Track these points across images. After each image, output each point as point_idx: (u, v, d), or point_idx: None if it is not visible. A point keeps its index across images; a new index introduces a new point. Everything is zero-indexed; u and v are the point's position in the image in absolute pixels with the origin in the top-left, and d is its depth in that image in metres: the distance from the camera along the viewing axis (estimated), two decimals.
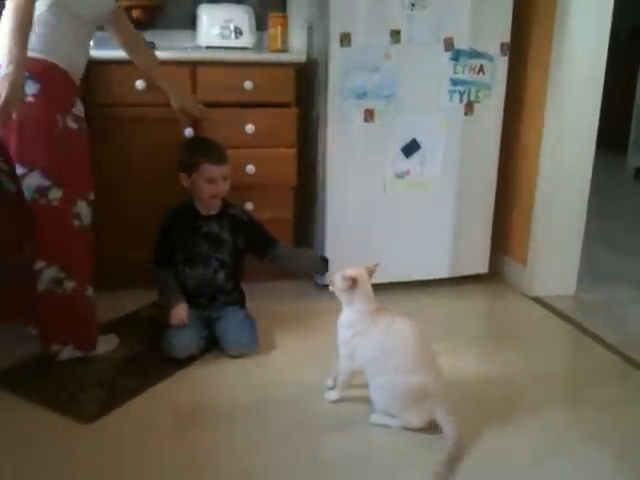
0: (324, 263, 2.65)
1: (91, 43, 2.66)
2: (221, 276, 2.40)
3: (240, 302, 2.48)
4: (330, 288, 1.99)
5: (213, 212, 2.40)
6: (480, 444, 1.86)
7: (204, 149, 2.39)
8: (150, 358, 2.28)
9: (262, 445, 1.85)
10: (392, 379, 1.87)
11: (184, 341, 2.26)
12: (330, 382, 2.08)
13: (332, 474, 1.76)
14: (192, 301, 2.38)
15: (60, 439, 1.84)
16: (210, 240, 2.38)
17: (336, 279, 1.95)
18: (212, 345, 2.36)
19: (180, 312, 2.31)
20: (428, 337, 1.94)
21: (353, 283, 1.91)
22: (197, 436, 1.88)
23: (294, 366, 2.28)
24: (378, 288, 2.01)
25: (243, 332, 2.34)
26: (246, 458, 1.79)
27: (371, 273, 1.98)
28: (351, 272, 1.93)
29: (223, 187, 2.37)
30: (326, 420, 1.97)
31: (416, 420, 1.87)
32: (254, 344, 2.34)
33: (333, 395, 2.04)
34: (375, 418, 1.93)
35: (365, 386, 1.97)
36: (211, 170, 2.33)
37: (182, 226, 2.39)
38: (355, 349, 1.94)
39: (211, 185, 2.33)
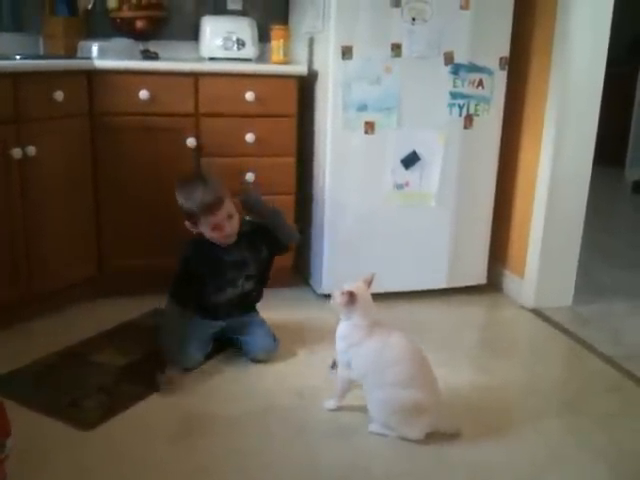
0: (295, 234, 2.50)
1: (95, 53, 2.71)
2: (249, 286, 2.40)
3: (256, 303, 2.49)
4: (330, 302, 2.01)
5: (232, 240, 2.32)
6: (476, 455, 1.88)
7: (198, 199, 2.20)
8: (151, 365, 2.29)
9: (262, 452, 1.87)
10: (388, 393, 1.88)
11: (191, 355, 2.27)
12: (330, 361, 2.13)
13: (329, 479, 1.78)
14: (208, 312, 2.38)
15: (61, 446, 1.85)
16: (236, 266, 2.34)
17: (336, 294, 1.97)
18: (215, 350, 2.39)
19: (176, 378, 2.21)
20: (424, 353, 1.95)
21: (352, 298, 1.93)
22: (197, 443, 1.89)
23: (294, 374, 2.30)
24: (376, 298, 2.03)
25: (266, 336, 2.38)
26: (247, 465, 1.81)
27: (369, 284, 2.00)
28: (350, 287, 1.95)
29: (232, 225, 2.26)
30: (326, 428, 1.99)
31: (413, 434, 1.89)
32: (277, 348, 2.38)
33: (331, 404, 2.06)
34: (374, 427, 1.95)
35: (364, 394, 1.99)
36: (212, 220, 2.23)
37: (206, 261, 2.31)
38: (350, 360, 1.96)
39: (219, 230, 2.25)
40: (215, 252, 2.30)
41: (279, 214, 2.40)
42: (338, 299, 1.95)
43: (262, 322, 2.44)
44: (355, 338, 1.95)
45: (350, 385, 2.02)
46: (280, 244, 2.41)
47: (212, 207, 2.20)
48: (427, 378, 1.92)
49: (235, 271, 2.34)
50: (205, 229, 2.25)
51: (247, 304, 2.45)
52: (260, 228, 2.38)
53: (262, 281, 2.45)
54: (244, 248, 2.34)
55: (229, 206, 2.24)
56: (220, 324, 2.39)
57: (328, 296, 2.18)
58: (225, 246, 2.30)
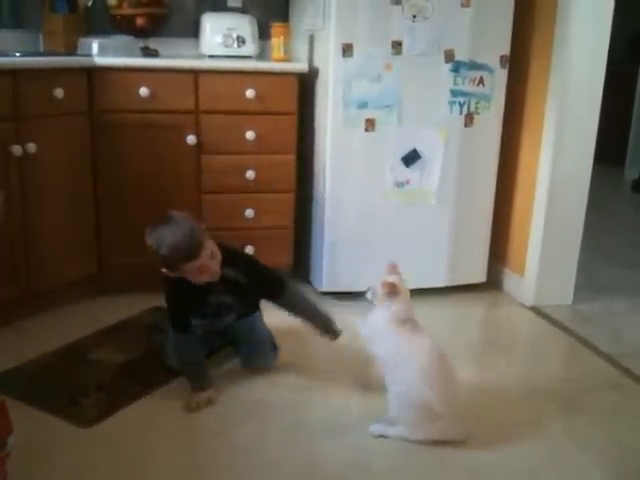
0: (334, 333, 2.25)
1: (95, 50, 2.70)
2: (232, 316, 2.27)
3: (253, 309, 2.36)
4: (368, 295, 2.00)
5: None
6: (475, 452, 1.88)
7: (175, 248, 1.99)
8: (150, 363, 2.30)
9: (261, 450, 1.87)
10: (406, 386, 1.87)
11: (187, 357, 2.19)
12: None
13: (329, 478, 1.77)
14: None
15: (60, 443, 1.85)
16: (217, 306, 2.21)
17: (376, 286, 1.96)
18: (215, 349, 2.38)
19: (209, 397, 2.10)
20: (448, 360, 1.92)
21: (392, 289, 1.93)
22: (196, 440, 1.89)
23: (293, 373, 2.30)
24: None
25: (264, 349, 2.29)
26: (245, 463, 1.81)
27: (398, 273, 2.00)
28: (391, 279, 1.95)
29: (214, 264, 2.06)
30: (324, 426, 1.99)
31: (416, 435, 1.88)
32: (274, 358, 2.31)
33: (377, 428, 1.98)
34: (373, 429, 1.94)
35: (365, 393, 2.00)
36: (191, 266, 2.02)
37: (188, 299, 2.14)
38: (373, 345, 1.96)
39: (205, 272, 2.06)
40: (195, 292, 2.11)
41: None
42: (381, 290, 1.94)
43: (261, 329, 2.33)
44: (383, 328, 1.94)
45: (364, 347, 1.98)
46: (269, 295, 2.25)
47: (193, 254, 2.00)
48: (445, 386, 1.87)
49: (216, 309, 2.22)
50: (190, 274, 2.05)
51: (241, 317, 2.33)
52: (247, 282, 2.17)
53: (246, 304, 2.31)
54: (227, 293, 2.18)
55: (211, 245, 2.06)
56: (217, 329, 2.31)
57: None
58: (207, 286, 2.11)
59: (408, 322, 1.94)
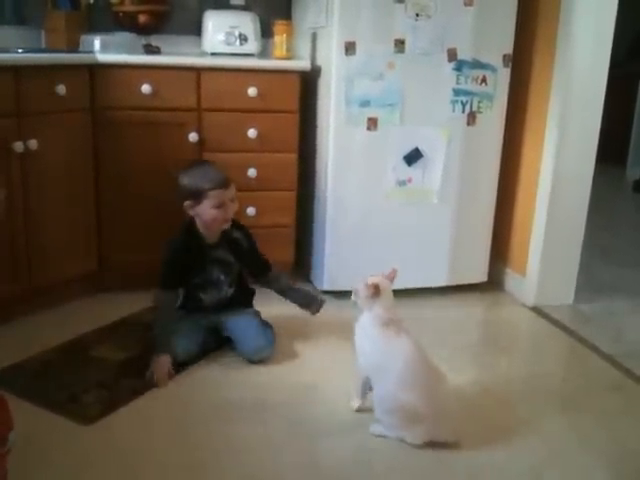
0: (318, 304, 2.49)
1: (97, 47, 2.70)
2: (231, 292, 2.42)
3: (247, 301, 2.49)
4: (352, 297, 1.99)
5: (217, 239, 2.35)
6: (476, 452, 1.88)
7: (208, 176, 2.28)
8: (150, 360, 2.29)
9: (262, 448, 1.86)
10: (386, 391, 1.87)
11: (183, 346, 2.26)
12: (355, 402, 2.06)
13: (330, 476, 1.77)
14: (198, 308, 2.39)
15: (60, 440, 1.85)
16: (220, 265, 2.37)
17: (359, 287, 1.96)
18: (215, 347, 2.39)
19: (164, 366, 2.18)
20: (430, 362, 1.92)
21: (376, 290, 1.93)
22: (197, 437, 1.89)
23: (294, 371, 2.29)
24: None
25: (258, 337, 2.33)
26: (246, 461, 1.81)
27: (392, 280, 1.99)
28: (374, 280, 1.94)
29: (232, 209, 2.31)
30: (325, 425, 1.98)
31: (410, 438, 1.88)
32: (270, 347, 2.34)
33: (354, 404, 2.04)
34: (374, 429, 1.94)
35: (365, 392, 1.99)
36: (219, 195, 2.25)
37: (192, 258, 2.31)
38: (363, 352, 1.96)
39: (220, 210, 2.27)
40: (202, 246, 2.32)
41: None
42: (362, 291, 1.94)
43: (254, 319, 2.40)
44: (369, 329, 1.94)
45: (367, 381, 1.98)
46: (254, 272, 2.49)
47: (224, 183, 2.26)
48: (428, 387, 1.87)
49: (218, 270, 2.36)
50: (207, 208, 2.25)
51: (235, 305, 2.43)
52: (248, 249, 2.41)
53: (240, 284, 2.45)
54: (228, 251, 2.36)
55: (234, 190, 2.31)
56: (214, 320, 2.38)
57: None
58: (212, 243, 2.34)
59: (392, 324, 1.94)
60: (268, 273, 2.48)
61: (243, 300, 2.47)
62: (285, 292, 2.49)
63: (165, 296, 2.30)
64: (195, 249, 2.31)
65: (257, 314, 2.45)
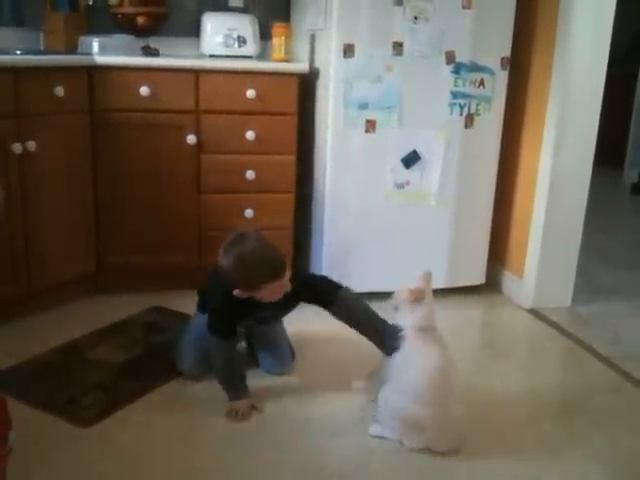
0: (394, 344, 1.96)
1: (96, 48, 2.70)
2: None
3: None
4: (392, 301, 1.97)
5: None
6: (474, 455, 1.88)
7: (260, 265, 1.92)
8: (149, 362, 2.30)
9: (261, 450, 1.86)
10: (396, 398, 1.86)
11: (230, 364, 2.09)
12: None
13: (329, 477, 1.78)
14: None
15: (59, 442, 1.85)
16: (264, 320, 2.18)
17: (403, 291, 1.93)
18: None
19: (245, 408, 2.03)
20: (450, 375, 1.89)
21: (420, 296, 1.91)
22: (196, 441, 1.89)
23: (294, 372, 2.29)
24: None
25: (284, 355, 2.25)
26: (245, 463, 1.81)
27: (428, 282, 1.97)
28: (419, 285, 1.92)
29: (287, 283, 2.00)
30: (324, 426, 1.99)
31: (407, 443, 1.88)
32: (293, 363, 2.29)
33: (357, 383, 2.04)
34: (373, 429, 1.94)
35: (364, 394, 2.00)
36: (275, 285, 1.96)
37: (232, 310, 2.04)
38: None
39: (276, 293, 1.99)
40: (250, 306, 2.04)
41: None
42: (406, 295, 1.92)
43: (282, 335, 2.29)
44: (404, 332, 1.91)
45: (383, 375, 1.94)
46: (324, 306, 2.08)
47: (283, 270, 1.96)
48: (440, 404, 1.84)
49: (261, 321, 2.19)
50: (263, 293, 1.97)
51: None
52: (298, 292, 2.07)
53: None
54: (279, 306, 2.10)
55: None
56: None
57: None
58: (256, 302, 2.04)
59: (428, 330, 1.91)
60: (334, 302, 2.05)
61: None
62: (357, 329, 2.08)
63: (228, 344, 2.05)
64: (237, 306, 2.02)
65: (283, 326, 2.31)
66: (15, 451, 1.54)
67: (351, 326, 2.06)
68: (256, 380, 2.22)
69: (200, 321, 2.13)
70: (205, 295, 2.19)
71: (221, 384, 2.07)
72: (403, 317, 1.94)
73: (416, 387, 1.84)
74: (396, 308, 1.97)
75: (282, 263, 1.96)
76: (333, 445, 1.90)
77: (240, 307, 2.02)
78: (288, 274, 1.98)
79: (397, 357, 1.90)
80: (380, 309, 2.05)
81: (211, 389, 2.15)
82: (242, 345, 2.25)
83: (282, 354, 2.27)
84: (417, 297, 1.90)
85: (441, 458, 1.85)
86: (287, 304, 2.12)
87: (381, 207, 2.84)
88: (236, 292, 1.96)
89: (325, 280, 2.12)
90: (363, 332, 2.05)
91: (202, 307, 2.20)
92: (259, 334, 2.28)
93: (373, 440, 1.92)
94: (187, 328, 2.28)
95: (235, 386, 2.06)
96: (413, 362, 1.87)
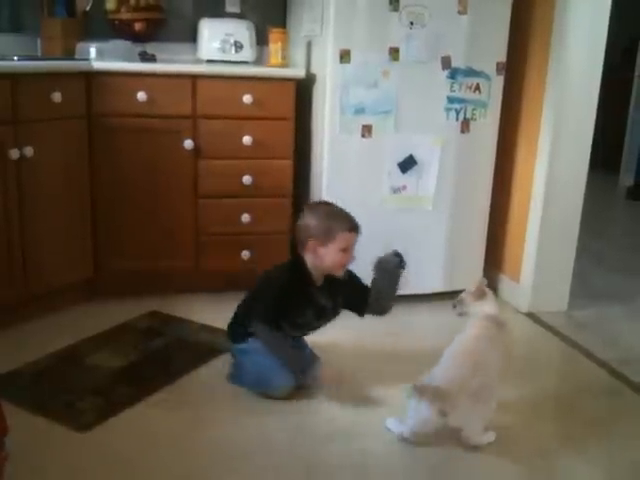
0: (399, 260, 2.25)
1: (93, 54, 2.71)
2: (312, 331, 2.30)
3: None
4: (457, 308, 2.10)
5: (321, 282, 2.19)
6: (471, 457, 1.89)
7: (341, 217, 2.14)
8: (147, 367, 2.30)
9: (260, 454, 1.86)
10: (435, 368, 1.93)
11: (283, 342, 2.14)
12: None
13: None
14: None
15: (56, 447, 1.85)
16: (317, 312, 2.20)
17: (464, 295, 2.10)
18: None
19: (331, 372, 2.12)
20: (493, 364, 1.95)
21: (482, 292, 2.07)
22: (194, 445, 1.89)
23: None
24: None
25: (314, 359, 2.21)
26: (244, 467, 1.81)
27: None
28: (477, 285, 2.10)
29: (353, 256, 2.16)
30: (323, 430, 1.99)
31: (425, 415, 1.86)
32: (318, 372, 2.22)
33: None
34: (389, 423, 1.97)
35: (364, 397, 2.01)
36: (350, 238, 2.12)
37: (296, 294, 2.15)
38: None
39: (345, 254, 2.13)
40: (308, 288, 2.16)
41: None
42: (469, 296, 2.08)
43: (306, 345, 2.30)
44: (473, 324, 2.04)
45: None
46: (359, 307, 2.27)
47: (357, 226, 2.15)
48: (464, 366, 1.90)
49: (313, 316, 2.20)
50: (333, 251, 2.11)
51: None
52: (348, 279, 2.23)
53: None
54: (329, 296, 2.20)
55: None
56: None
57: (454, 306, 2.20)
58: (318, 285, 2.18)
59: (498, 324, 2.05)
60: (368, 304, 2.25)
61: None
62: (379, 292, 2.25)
63: (269, 328, 2.12)
64: (299, 290, 2.15)
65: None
66: (11, 456, 1.54)
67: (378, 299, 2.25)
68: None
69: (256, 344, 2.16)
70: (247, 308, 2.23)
71: (287, 362, 2.11)
72: (472, 313, 2.07)
73: (450, 350, 1.95)
74: (461, 314, 2.10)
75: (357, 222, 2.15)
76: (335, 449, 1.90)
77: (296, 289, 2.13)
78: (357, 238, 2.15)
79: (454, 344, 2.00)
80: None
81: (208, 394, 2.16)
82: None
83: (314, 361, 2.19)
84: (481, 294, 2.07)
85: (438, 461, 1.85)
86: (337, 294, 2.21)
87: (377, 212, 2.84)
88: (311, 244, 2.11)
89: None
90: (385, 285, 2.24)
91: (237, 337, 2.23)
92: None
93: (375, 444, 1.92)
94: (246, 351, 2.21)
95: (298, 356, 2.15)
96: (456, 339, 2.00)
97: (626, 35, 6.26)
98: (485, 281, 2.12)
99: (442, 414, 1.81)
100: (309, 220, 2.13)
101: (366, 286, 2.26)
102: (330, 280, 2.19)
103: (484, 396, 1.88)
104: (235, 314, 2.27)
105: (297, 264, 2.17)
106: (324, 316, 2.23)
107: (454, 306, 2.12)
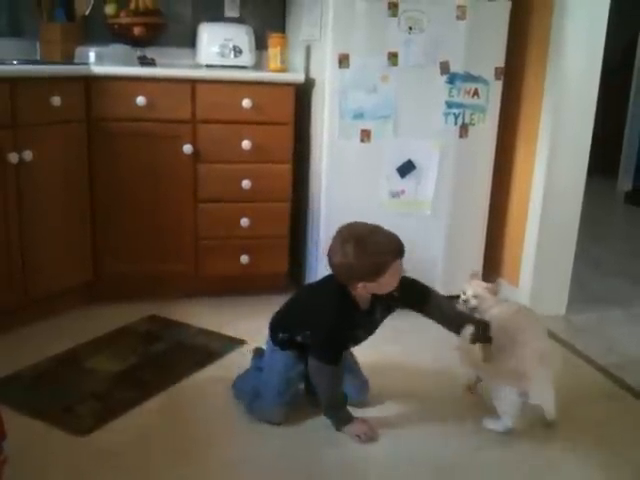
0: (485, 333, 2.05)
1: (93, 58, 2.71)
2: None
3: None
4: (472, 301, 2.17)
5: (369, 303, 2.00)
6: (469, 459, 1.89)
7: (385, 244, 1.91)
8: (146, 371, 2.30)
9: (260, 460, 1.87)
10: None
11: (340, 391, 2.01)
12: None
13: None
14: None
15: (55, 451, 1.85)
16: (368, 328, 2.05)
17: (481, 294, 2.18)
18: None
19: (365, 428, 1.98)
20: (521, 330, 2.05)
21: (496, 288, 2.21)
22: (192, 450, 1.89)
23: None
24: None
25: (362, 382, 2.17)
26: (243, 472, 1.81)
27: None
28: (485, 284, 2.22)
29: (403, 268, 1.96)
30: (324, 435, 1.99)
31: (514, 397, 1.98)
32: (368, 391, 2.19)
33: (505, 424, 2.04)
34: (488, 424, 2.04)
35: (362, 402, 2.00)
36: (399, 264, 1.91)
37: (346, 325, 1.96)
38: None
39: (395, 277, 1.93)
40: (357, 314, 1.98)
41: None
42: (485, 292, 2.17)
43: (357, 362, 2.19)
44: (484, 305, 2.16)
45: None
46: (415, 305, 2.08)
47: (403, 249, 1.92)
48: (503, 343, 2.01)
49: (364, 332, 2.05)
50: (384, 281, 1.90)
51: None
52: (402, 287, 2.00)
53: None
54: (380, 308, 2.03)
55: None
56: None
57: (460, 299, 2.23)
58: (364, 309, 1.99)
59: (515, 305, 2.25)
60: (429, 302, 2.07)
61: None
62: (451, 324, 2.07)
63: (339, 369, 1.97)
64: (349, 321, 1.96)
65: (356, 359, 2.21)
66: (10, 460, 1.54)
67: (443, 324, 2.07)
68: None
69: (277, 355, 2.04)
70: (282, 326, 2.06)
71: (329, 411, 2.00)
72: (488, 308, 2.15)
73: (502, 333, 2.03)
74: (474, 310, 2.17)
75: (399, 238, 1.92)
76: (333, 455, 1.90)
77: (353, 316, 1.95)
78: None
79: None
80: None
81: (207, 399, 2.16)
82: (301, 387, 2.12)
83: (361, 382, 2.16)
84: (496, 289, 2.21)
85: (438, 464, 1.85)
86: (389, 305, 2.03)
87: (376, 216, 2.79)
88: (360, 286, 1.89)
89: (416, 280, 2.09)
90: (453, 328, 2.05)
91: (276, 340, 2.05)
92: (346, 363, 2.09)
93: (373, 450, 1.92)
94: (256, 365, 2.19)
95: (344, 410, 2.00)
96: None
97: (625, 39, 6.27)
98: (479, 271, 2.21)
99: (524, 395, 1.95)
100: (351, 259, 1.86)
101: (422, 287, 2.09)
102: (381, 301, 2.01)
103: (546, 362, 1.98)
104: (271, 324, 2.10)
105: (341, 295, 1.95)
106: (375, 327, 2.07)
107: (463, 302, 2.20)
